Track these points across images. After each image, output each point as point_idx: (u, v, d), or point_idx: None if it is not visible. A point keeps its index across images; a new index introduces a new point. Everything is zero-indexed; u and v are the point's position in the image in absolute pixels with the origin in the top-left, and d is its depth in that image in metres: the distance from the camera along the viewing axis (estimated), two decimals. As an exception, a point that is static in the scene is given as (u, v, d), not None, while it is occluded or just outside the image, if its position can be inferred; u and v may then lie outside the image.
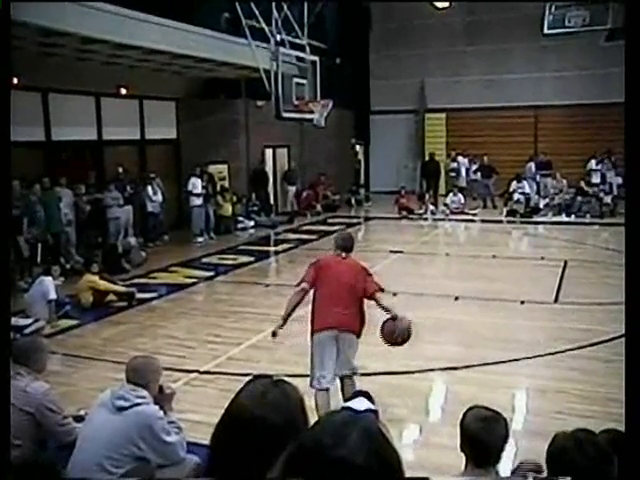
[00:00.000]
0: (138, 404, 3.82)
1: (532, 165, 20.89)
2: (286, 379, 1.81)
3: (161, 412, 3.96)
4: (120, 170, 14.84)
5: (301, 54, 14.55)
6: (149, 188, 15.26)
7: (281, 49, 13.52)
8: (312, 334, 5.59)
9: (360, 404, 3.56)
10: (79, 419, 4.40)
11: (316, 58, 14.97)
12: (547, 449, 2.73)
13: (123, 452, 3.71)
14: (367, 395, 3.76)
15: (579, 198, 19.04)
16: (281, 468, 1.22)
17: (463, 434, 3.05)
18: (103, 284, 10.24)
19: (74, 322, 9.34)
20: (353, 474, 1.14)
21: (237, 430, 1.65)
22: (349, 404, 3.55)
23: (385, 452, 1.21)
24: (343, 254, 5.89)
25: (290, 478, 1.17)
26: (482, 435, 2.96)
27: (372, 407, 3.55)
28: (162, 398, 4.14)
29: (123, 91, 15.07)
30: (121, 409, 3.80)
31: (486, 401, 3.30)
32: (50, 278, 9.39)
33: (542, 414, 5.92)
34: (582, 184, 19.44)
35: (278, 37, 13.76)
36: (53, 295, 9.12)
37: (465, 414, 3.11)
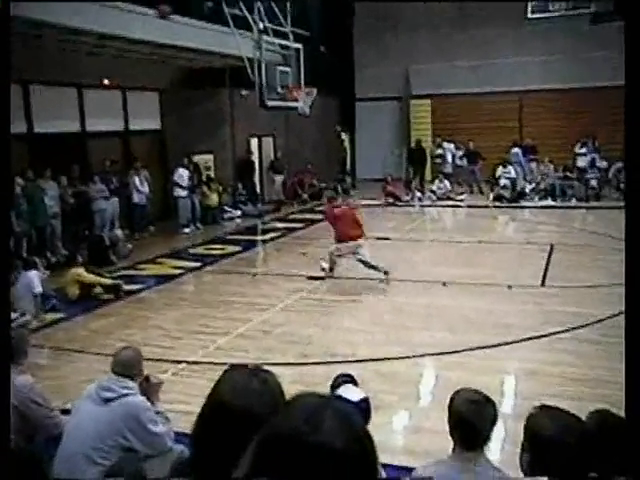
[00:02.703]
0: (124, 395, 3.79)
1: (518, 150, 20.85)
2: (266, 367, 1.79)
3: (148, 403, 3.94)
4: (107, 163, 14.71)
5: (284, 42, 14.48)
6: (136, 179, 15.13)
7: (264, 37, 13.45)
8: (340, 242, 10.29)
9: (353, 394, 3.52)
10: (67, 413, 4.37)
11: (300, 46, 14.91)
12: (524, 426, 2.65)
13: (110, 443, 3.68)
14: (350, 377, 3.73)
15: (560, 182, 19.09)
16: (252, 457, 1.17)
17: (452, 417, 3.03)
18: (89, 277, 10.18)
19: (61, 315, 9.28)
20: (333, 459, 1.11)
21: (220, 421, 1.64)
22: (341, 393, 3.51)
23: (360, 435, 1.18)
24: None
25: (266, 467, 1.13)
26: (471, 417, 2.94)
27: (364, 396, 3.52)
28: (149, 388, 4.11)
29: (106, 82, 14.94)
30: (107, 400, 3.78)
31: (476, 385, 3.29)
32: (35, 272, 9.30)
33: (531, 397, 5.92)
34: (561, 168, 19.47)
35: (261, 25, 13.69)
36: (39, 289, 9.03)
37: (453, 397, 3.09)
